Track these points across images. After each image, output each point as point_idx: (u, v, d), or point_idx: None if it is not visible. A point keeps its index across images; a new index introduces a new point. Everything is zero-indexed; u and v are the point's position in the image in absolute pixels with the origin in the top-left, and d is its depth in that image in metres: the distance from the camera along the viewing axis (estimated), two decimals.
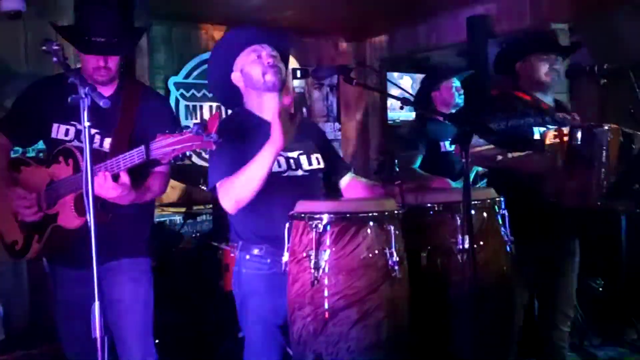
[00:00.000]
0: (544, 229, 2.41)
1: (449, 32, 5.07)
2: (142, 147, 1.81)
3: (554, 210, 2.31)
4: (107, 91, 2.16)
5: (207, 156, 5.26)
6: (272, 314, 2.02)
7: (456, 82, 3.34)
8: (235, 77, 2.12)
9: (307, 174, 2.08)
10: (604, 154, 2.19)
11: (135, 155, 1.85)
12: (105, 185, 1.89)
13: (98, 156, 1.97)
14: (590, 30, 4.27)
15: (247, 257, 2.06)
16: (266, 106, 2.08)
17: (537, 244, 2.41)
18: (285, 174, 2.04)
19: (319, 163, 2.14)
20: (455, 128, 3.07)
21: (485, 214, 1.99)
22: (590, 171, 2.19)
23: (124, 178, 1.92)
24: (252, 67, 2.06)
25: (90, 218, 1.60)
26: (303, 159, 2.10)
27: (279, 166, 2.03)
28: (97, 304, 1.60)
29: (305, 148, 2.12)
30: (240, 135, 2.02)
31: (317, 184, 2.13)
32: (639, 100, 2.34)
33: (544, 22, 4.14)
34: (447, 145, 3.15)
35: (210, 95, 5.19)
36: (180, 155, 1.77)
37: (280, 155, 2.03)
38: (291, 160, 2.07)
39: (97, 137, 2.11)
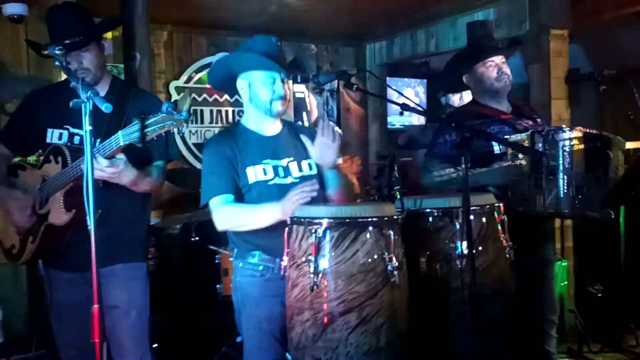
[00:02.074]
0: (523, 239, 2.34)
1: (449, 38, 5.09)
2: (118, 134, 1.84)
3: (523, 222, 2.24)
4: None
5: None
6: (267, 322, 2.02)
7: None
8: (241, 85, 2.12)
9: (297, 181, 2.08)
10: (565, 160, 2.12)
11: (112, 142, 1.87)
12: (99, 166, 1.89)
13: None
14: (590, 36, 4.29)
15: (241, 264, 2.08)
16: (265, 127, 2.13)
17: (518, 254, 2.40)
18: (272, 182, 2.05)
19: (310, 169, 2.14)
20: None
21: (484, 220, 2.00)
22: (555, 178, 2.14)
23: (119, 155, 1.94)
24: (263, 89, 2.07)
25: (91, 222, 1.60)
26: (293, 166, 2.11)
27: (265, 174, 2.05)
28: (96, 307, 1.59)
29: (296, 155, 2.13)
30: (226, 147, 2.05)
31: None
32: (638, 106, 2.35)
33: (543, 28, 4.15)
34: None
35: (210, 99, 5.21)
36: (156, 138, 1.79)
37: (267, 163, 2.06)
38: (279, 169, 2.08)
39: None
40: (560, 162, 2.13)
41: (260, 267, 2.04)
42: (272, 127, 2.16)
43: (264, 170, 2.05)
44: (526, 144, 2.20)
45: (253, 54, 2.05)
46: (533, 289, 2.46)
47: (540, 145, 2.16)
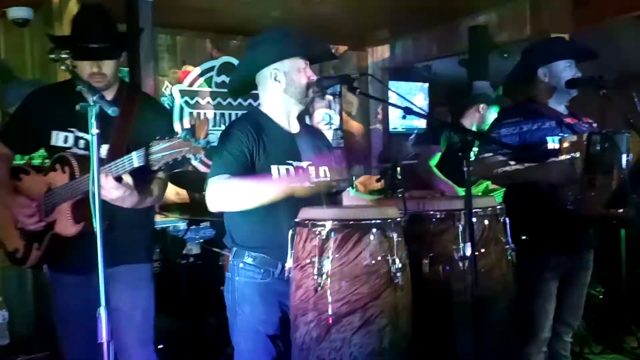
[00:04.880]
0: (566, 241, 2.40)
1: (451, 42, 5.12)
2: (132, 155, 1.82)
3: (574, 222, 2.30)
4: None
5: (209, 162, 5.30)
6: (263, 324, 2.01)
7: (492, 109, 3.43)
8: (271, 76, 2.07)
9: (313, 185, 2.07)
10: (624, 159, 2.18)
11: (125, 163, 1.86)
12: (107, 186, 1.88)
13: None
14: (590, 40, 4.30)
15: (241, 265, 2.04)
16: (290, 114, 2.13)
17: (560, 256, 2.42)
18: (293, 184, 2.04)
19: (325, 175, 2.14)
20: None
21: (486, 222, 2.01)
22: (610, 177, 2.18)
23: (127, 178, 1.93)
24: (298, 76, 2.06)
25: (98, 224, 1.62)
26: (311, 170, 2.10)
27: (288, 176, 2.03)
28: (102, 308, 1.61)
29: (315, 159, 2.13)
30: (251, 136, 2.00)
31: (322, 195, 2.09)
32: (638, 110, 2.36)
33: (544, 33, 4.17)
34: None
35: (213, 103, 5.23)
36: (171, 161, 1.78)
37: (291, 164, 2.04)
38: (300, 171, 2.06)
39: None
40: (620, 163, 2.18)
41: (262, 270, 2.02)
42: (296, 122, 2.15)
43: (287, 170, 2.03)
44: (582, 145, 2.24)
45: (292, 39, 2.08)
46: (563, 290, 2.47)
47: (598, 146, 2.20)
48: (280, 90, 2.08)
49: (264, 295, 2.01)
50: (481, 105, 3.45)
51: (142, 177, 2.06)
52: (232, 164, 1.94)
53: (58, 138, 2.17)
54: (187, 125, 5.11)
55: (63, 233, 2.07)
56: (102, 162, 2.00)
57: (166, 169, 2.14)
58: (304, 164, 2.09)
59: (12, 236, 2.21)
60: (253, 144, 1.99)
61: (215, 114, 5.26)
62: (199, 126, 1.74)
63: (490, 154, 2.42)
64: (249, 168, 1.97)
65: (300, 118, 2.21)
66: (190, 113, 5.13)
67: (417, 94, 6.75)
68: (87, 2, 2.18)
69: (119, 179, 1.91)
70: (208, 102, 5.21)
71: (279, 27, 2.13)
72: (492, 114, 3.46)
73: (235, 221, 2.05)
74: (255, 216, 1.96)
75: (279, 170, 2.01)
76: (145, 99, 2.32)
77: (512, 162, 2.36)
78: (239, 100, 5.35)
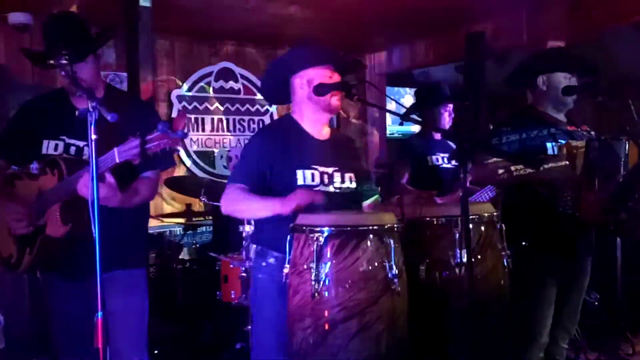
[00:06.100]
0: (566, 247, 2.42)
1: (447, 49, 5.14)
2: (114, 151, 1.82)
3: (574, 227, 2.32)
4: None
5: (206, 167, 5.30)
6: (283, 319, 2.01)
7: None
8: (298, 84, 2.17)
9: (337, 191, 2.13)
10: (622, 165, 2.21)
11: (108, 160, 1.85)
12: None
13: (81, 165, 1.97)
14: (586, 48, 4.33)
15: (264, 264, 2.11)
16: (316, 123, 2.19)
17: (560, 262, 2.43)
18: (317, 188, 2.09)
19: (351, 182, 2.19)
20: (438, 142, 3.21)
21: (483, 228, 2.03)
22: (609, 183, 2.21)
23: (109, 178, 1.93)
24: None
25: (96, 227, 1.63)
26: (337, 176, 2.15)
27: (312, 180, 2.09)
28: (100, 314, 1.61)
29: (342, 165, 2.18)
30: (272, 144, 2.10)
31: (346, 202, 2.15)
32: (634, 117, 2.39)
33: (541, 40, 4.20)
34: (434, 160, 3.22)
35: (211, 107, 5.24)
36: (151, 155, 1.78)
37: (316, 169, 2.11)
38: (325, 176, 2.13)
39: (85, 148, 2.12)
40: (620, 166, 2.20)
41: (285, 270, 2.03)
42: (324, 130, 2.22)
43: (312, 175, 2.10)
44: (582, 151, 2.27)
45: (318, 50, 2.17)
46: (562, 295, 2.49)
47: (597, 152, 2.23)
48: (305, 98, 2.15)
49: (283, 292, 2.01)
50: (437, 108, 3.41)
51: (125, 175, 2.06)
52: (248, 174, 2.09)
53: (49, 146, 2.17)
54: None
55: (52, 235, 2.06)
56: (87, 163, 1.97)
57: (150, 165, 2.14)
58: (330, 169, 2.14)
59: (6, 243, 2.20)
60: (275, 151, 2.09)
61: (212, 119, 5.27)
62: (176, 118, 1.74)
63: (493, 159, 2.43)
64: (267, 176, 2.08)
65: (332, 126, 2.27)
66: (189, 118, 5.14)
67: (414, 100, 6.78)
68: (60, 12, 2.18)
69: (101, 178, 1.90)
70: (206, 107, 5.22)
71: (309, 40, 2.29)
72: (448, 111, 3.41)
73: (264, 220, 2.10)
74: (285, 218, 1.98)
75: (304, 174, 2.09)
76: (132, 100, 2.30)
77: (512, 168, 2.37)
78: (237, 105, 5.37)
